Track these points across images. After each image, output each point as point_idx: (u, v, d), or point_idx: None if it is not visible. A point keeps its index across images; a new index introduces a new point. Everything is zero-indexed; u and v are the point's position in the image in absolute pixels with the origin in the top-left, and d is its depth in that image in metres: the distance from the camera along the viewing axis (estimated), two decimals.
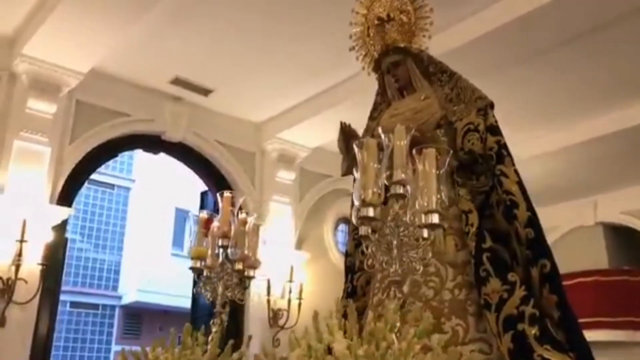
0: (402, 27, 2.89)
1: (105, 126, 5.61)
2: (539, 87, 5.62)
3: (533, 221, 2.51)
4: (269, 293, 6.12)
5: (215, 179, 6.52)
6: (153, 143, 6.19)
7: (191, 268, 2.66)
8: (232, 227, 2.62)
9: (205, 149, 6.36)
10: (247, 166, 6.59)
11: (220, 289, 2.60)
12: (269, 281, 6.14)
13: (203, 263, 2.63)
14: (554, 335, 2.31)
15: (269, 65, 5.48)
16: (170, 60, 5.52)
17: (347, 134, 2.71)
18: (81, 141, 5.43)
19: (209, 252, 2.65)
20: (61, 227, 5.12)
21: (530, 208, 2.53)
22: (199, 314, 6.56)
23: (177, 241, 14.91)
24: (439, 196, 1.82)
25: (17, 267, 4.57)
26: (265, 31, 4.98)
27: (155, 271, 14.11)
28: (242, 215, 2.70)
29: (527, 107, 5.91)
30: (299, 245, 6.66)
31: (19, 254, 4.59)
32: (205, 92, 6.05)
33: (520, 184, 2.58)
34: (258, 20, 4.85)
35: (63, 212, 5.09)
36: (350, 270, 2.97)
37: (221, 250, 2.62)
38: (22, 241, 4.61)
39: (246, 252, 2.65)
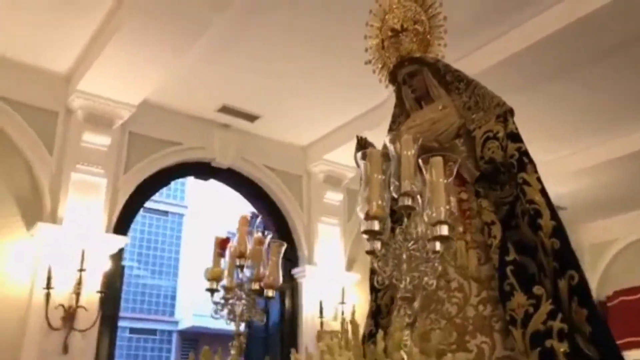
0: (416, 37, 2.85)
1: (157, 155, 5.79)
2: (588, 99, 5.50)
3: (558, 230, 2.39)
4: (321, 315, 6.12)
5: (264, 203, 6.61)
6: (203, 170, 6.34)
7: (208, 289, 2.62)
8: (249, 247, 2.59)
9: (254, 173, 6.47)
10: (294, 189, 6.66)
11: (238, 310, 2.56)
12: (321, 303, 6.16)
13: (220, 284, 2.60)
14: (586, 351, 2.17)
15: (313, 88, 5.56)
16: (217, 89, 5.67)
17: (363, 147, 2.65)
18: (135, 171, 5.62)
19: (226, 272, 2.63)
20: (118, 255, 5.29)
21: (554, 217, 2.41)
22: (254, 336, 6.61)
23: None
24: (448, 207, 1.74)
25: (78, 295, 4.74)
26: (308, 55, 5.06)
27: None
28: (257, 235, 2.67)
29: (576, 119, 5.79)
30: (349, 266, 6.65)
31: (79, 283, 4.76)
32: (252, 118, 6.18)
33: (543, 192, 2.47)
34: (300, 45, 4.94)
35: (119, 241, 5.26)
36: (374, 288, 2.87)
37: (238, 270, 2.61)
38: (81, 270, 4.78)
39: (263, 271, 2.59)
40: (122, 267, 5.64)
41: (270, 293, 2.59)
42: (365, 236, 1.79)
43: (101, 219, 5.18)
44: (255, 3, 4.43)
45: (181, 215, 16.60)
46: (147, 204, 7.75)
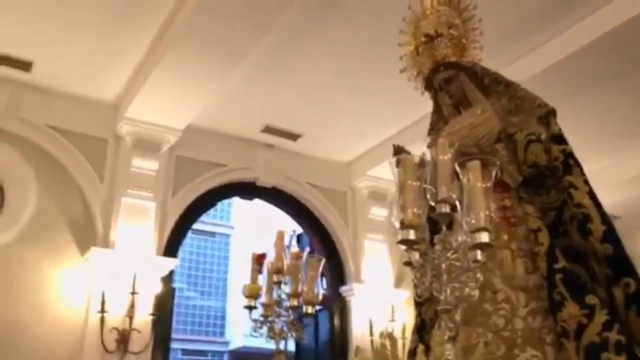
0: (451, 42, 2.76)
1: (203, 178, 5.88)
2: (635, 105, 5.34)
3: (610, 235, 2.24)
4: (371, 333, 6.06)
5: (309, 221, 6.63)
6: (248, 189, 6.40)
7: (246, 307, 2.56)
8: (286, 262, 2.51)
9: (298, 191, 6.50)
10: (339, 206, 6.65)
11: (277, 328, 2.50)
12: (370, 321, 6.09)
13: (259, 301, 2.54)
14: None
15: (354, 105, 5.57)
16: (260, 110, 5.75)
17: (399, 155, 2.58)
18: (182, 194, 5.72)
19: (264, 289, 2.56)
20: (168, 278, 5.38)
21: (605, 221, 2.27)
22: (303, 356, 6.59)
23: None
24: (487, 212, 1.65)
25: (131, 318, 4.83)
26: (348, 72, 5.08)
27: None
28: (294, 249, 2.61)
29: (622, 126, 5.62)
30: (398, 283, 6.57)
31: (132, 306, 4.85)
32: (294, 137, 6.22)
33: (592, 194, 2.33)
34: (341, 62, 4.97)
35: (170, 263, 5.36)
36: (418, 302, 2.77)
37: (276, 287, 2.54)
38: (133, 293, 4.87)
39: (301, 287, 2.50)
40: (173, 289, 5.73)
41: (309, 310, 2.52)
42: (401, 247, 1.73)
43: (151, 242, 5.28)
44: (295, 24, 4.48)
45: (228, 236, 16.78)
46: (195, 226, 7.87)
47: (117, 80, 5.17)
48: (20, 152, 5.08)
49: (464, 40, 2.81)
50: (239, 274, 15.48)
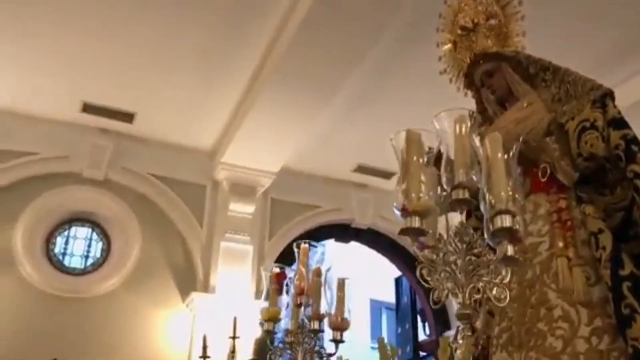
0: (490, 32, 2.47)
1: (298, 220, 5.88)
2: None
3: None
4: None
5: (408, 262, 6.39)
6: (343, 231, 6.31)
7: (265, 331, 2.31)
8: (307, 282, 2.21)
9: (395, 232, 6.30)
10: None
11: (300, 356, 2.19)
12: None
13: (278, 326, 2.28)
14: None
15: None
16: (351, 149, 5.69)
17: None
18: (279, 236, 5.72)
19: (283, 312, 2.30)
20: None
21: None
22: None
23: (375, 333, 14.71)
24: (510, 192, 1.32)
25: None
26: (433, 103, 4.93)
27: None
28: (315, 266, 2.28)
29: None
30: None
31: (233, 351, 4.79)
32: (388, 175, 6.09)
33: None
34: (436, 96, 4.84)
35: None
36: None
37: (302, 310, 2.23)
38: (234, 338, 4.82)
39: (323, 309, 2.20)
40: (273, 333, 5.64)
41: (339, 336, 2.19)
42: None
43: (249, 285, 5.28)
44: (386, 58, 4.42)
45: None
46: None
47: (213, 127, 5.31)
48: (124, 200, 5.28)
49: (504, 29, 2.51)
50: None
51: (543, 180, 2.13)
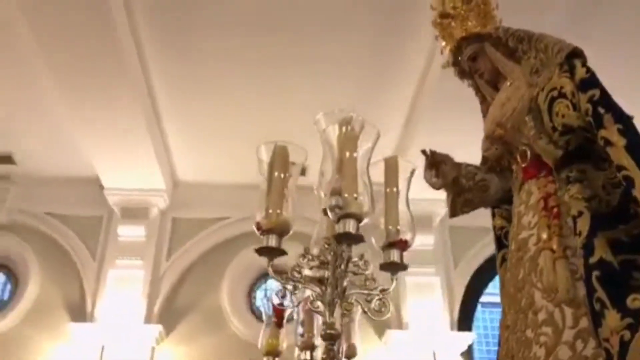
0: (471, 13, 2.27)
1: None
2: None
3: None
4: None
5: None
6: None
7: None
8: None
9: None
10: None
11: None
12: None
13: None
14: None
15: None
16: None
17: (434, 162, 2.14)
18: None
19: (284, 344, 2.15)
20: (468, 353, 5.33)
21: None
22: None
23: None
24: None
25: None
26: None
27: None
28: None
29: None
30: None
31: None
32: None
33: (631, 147, 1.59)
34: None
35: (467, 338, 5.30)
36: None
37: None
38: None
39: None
40: None
41: None
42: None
43: (445, 317, 5.28)
44: None
45: None
46: (484, 298, 6.99)
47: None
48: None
49: (483, 6, 2.29)
50: None
51: (524, 165, 1.93)
